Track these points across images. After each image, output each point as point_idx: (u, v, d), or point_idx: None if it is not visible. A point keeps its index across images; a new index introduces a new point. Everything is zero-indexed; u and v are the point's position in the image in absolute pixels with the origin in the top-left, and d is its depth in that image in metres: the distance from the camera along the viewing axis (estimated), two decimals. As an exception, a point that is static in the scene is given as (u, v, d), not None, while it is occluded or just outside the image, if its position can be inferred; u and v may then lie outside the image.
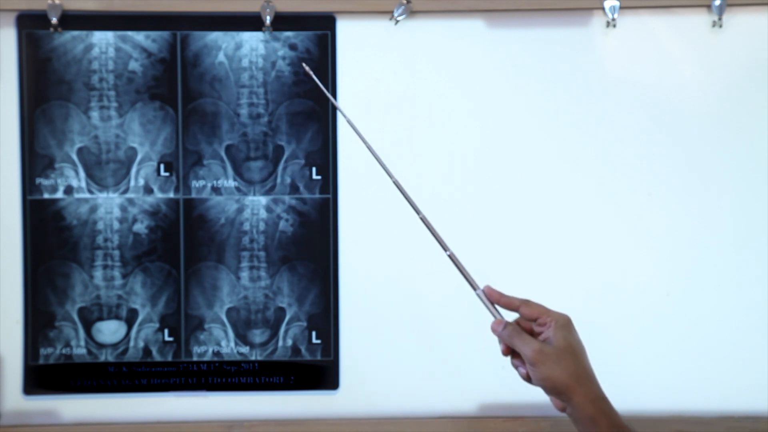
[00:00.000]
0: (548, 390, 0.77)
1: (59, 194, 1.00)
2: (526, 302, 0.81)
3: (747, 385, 1.02)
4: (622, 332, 1.03)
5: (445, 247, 0.85)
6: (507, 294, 0.81)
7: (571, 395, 0.75)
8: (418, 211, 0.85)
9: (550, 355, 0.76)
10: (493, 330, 0.81)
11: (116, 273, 1.01)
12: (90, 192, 1.00)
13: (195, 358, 1.02)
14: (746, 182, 1.02)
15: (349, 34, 1.01)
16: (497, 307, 0.83)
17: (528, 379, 0.79)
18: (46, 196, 1.00)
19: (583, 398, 0.75)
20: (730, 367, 1.03)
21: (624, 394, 0.97)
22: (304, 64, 0.95)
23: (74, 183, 1.00)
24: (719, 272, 1.03)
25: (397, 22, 0.99)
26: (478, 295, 0.82)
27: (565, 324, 0.80)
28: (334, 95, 1.02)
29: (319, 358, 1.03)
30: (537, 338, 0.79)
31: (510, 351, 0.81)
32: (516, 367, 0.80)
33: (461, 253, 1.00)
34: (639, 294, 1.03)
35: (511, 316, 0.81)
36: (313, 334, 1.03)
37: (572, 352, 0.77)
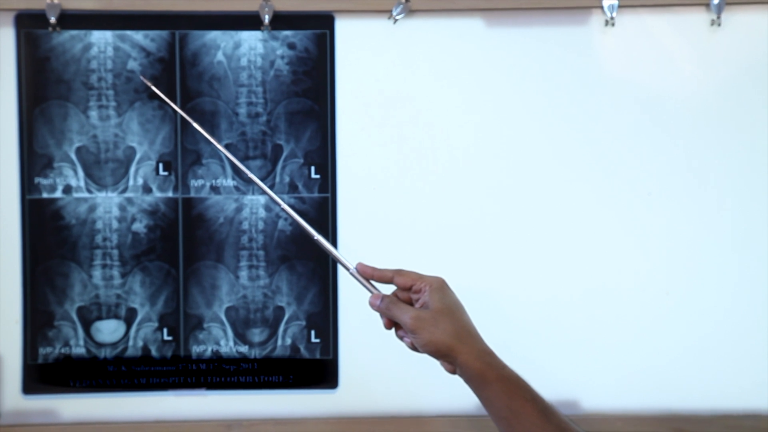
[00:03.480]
0: (433, 354, 0.77)
1: (58, 194, 1.00)
2: (399, 272, 0.81)
3: (746, 384, 1.03)
4: (621, 331, 1.03)
5: (311, 234, 0.84)
6: (379, 268, 0.82)
7: (455, 355, 0.76)
8: (313, 234, 0.85)
9: (427, 320, 0.76)
10: (371, 305, 0.81)
11: (115, 272, 1.01)
12: (89, 191, 1.01)
13: (194, 357, 1.02)
14: (745, 180, 1.02)
15: (347, 33, 1.01)
16: (373, 282, 0.82)
17: (414, 348, 0.79)
18: (44, 195, 1.00)
19: (467, 356, 0.75)
20: (730, 365, 1.03)
21: (623, 392, 1.03)
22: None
23: (73, 182, 1.00)
24: (718, 271, 1.03)
25: (396, 21, 1.00)
26: (351, 273, 0.82)
27: (439, 287, 0.79)
28: (333, 94, 1.02)
29: (318, 356, 1.03)
30: (414, 306, 0.79)
31: (392, 324, 0.81)
32: (401, 338, 0.80)
33: (460, 252, 1.02)
34: (638, 293, 1.03)
35: (389, 290, 0.81)
36: (312, 332, 1.03)
37: (449, 313, 0.77)
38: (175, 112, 1.00)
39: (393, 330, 0.81)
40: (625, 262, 1.03)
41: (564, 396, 1.02)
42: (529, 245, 1.03)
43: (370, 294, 0.82)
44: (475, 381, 0.76)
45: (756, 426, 1.02)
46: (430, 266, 0.82)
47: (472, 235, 1.03)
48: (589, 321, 1.03)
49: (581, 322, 1.03)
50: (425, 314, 0.77)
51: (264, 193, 1.00)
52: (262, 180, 1.00)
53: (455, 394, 0.99)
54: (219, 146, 0.86)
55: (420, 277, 0.80)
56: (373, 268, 0.82)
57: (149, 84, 0.95)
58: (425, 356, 0.78)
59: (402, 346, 0.80)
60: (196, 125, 0.87)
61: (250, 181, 1.02)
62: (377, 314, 0.81)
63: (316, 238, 0.84)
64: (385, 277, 0.81)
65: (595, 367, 1.03)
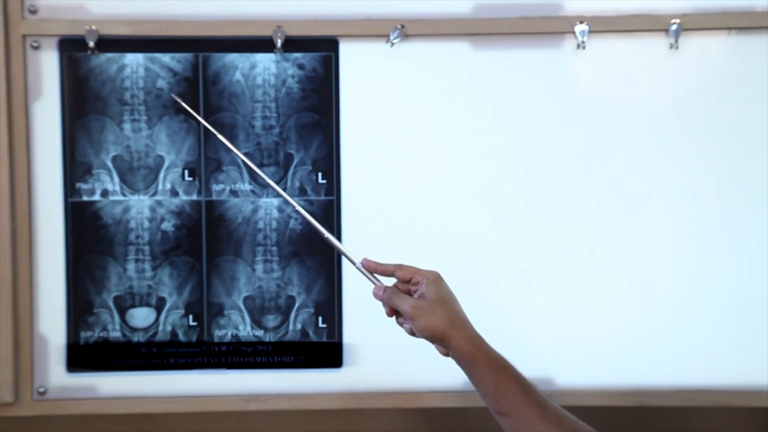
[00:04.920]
0: (429, 338, 0.79)
1: (96, 197, 1.02)
2: (399, 266, 0.82)
3: (698, 363, 1.05)
4: (591, 318, 1.05)
5: (322, 232, 0.86)
6: (382, 262, 0.83)
7: (448, 340, 0.77)
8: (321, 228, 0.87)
9: (425, 308, 0.78)
10: (375, 295, 0.83)
11: (146, 266, 1.03)
12: (123, 195, 1.02)
13: (216, 340, 1.04)
14: (699, 185, 1.03)
15: (350, 55, 1.02)
16: (376, 275, 0.84)
17: (413, 333, 0.80)
18: (85, 198, 1.02)
19: (460, 340, 0.77)
20: (683, 347, 1.05)
21: (592, 370, 1.05)
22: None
23: (109, 187, 1.02)
24: (673, 266, 1.04)
25: (393, 44, 1.01)
26: (357, 267, 0.83)
27: (435, 279, 0.81)
28: (338, 110, 1.02)
29: (324, 340, 1.05)
30: (413, 296, 0.81)
31: (393, 312, 0.82)
32: (401, 325, 0.82)
33: (451, 248, 1.04)
34: (603, 285, 1.05)
35: (390, 282, 0.83)
36: (320, 319, 1.05)
37: (444, 303, 0.79)
38: (198, 124, 1.01)
39: (394, 317, 0.83)
40: (594, 261, 1.04)
41: (540, 374, 1.04)
42: (517, 244, 1.04)
43: (373, 285, 0.83)
44: (466, 362, 0.78)
45: (707, 399, 1.04)
46: (423, 259, 0.85)
47: (462, 232, 1.04)
48: (563, 310, 1.05)
49: (557, 311, 1.05)
50: (423, 303, 0.79)
51: (278, 196, 1.01)
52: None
53: (445, 373, 0.99)
54: (239, 154, 0.90)
55: (418, 270, 0.82)
56: (377, 263, 0.84)
57: (179, 100, 0.97)
58: (420, 340, 0.80)
59: (399, 331, 0.83)
60: (220, 136, 0.92)
61: (265, 186, 1.02)
62: (378, 303, 0.84)
63: (326, 236, 0.85)
64: (387, 270, 0.83)
65: (568, 349, 1.05)
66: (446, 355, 0.80)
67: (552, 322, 1.06)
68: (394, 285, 0.83)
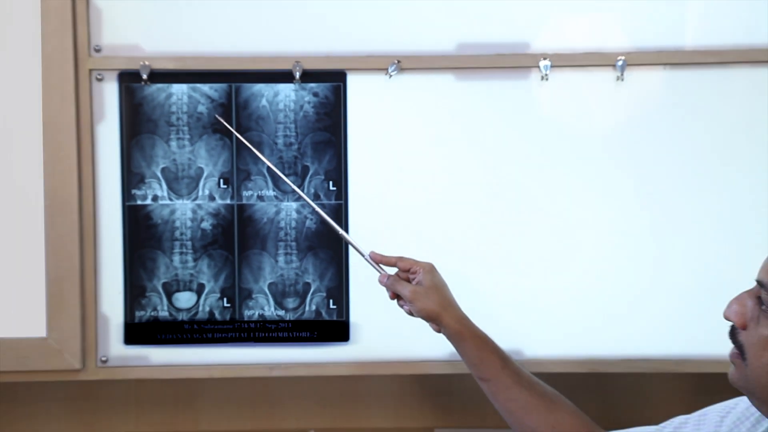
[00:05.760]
0: (425, 318, 0.86)
1: (148, 201, 1.11)
2: (400, 258, 0.90)
3: (639, 337, 1.13)
4: (555, 299, 1.12)
5: (337, 230, 0.92)
6: (386, 255, 0.91)
7: (441, 319, 0.85)
8: (336, 228, 0.94)
9: (421, 293, 0.85)
10: (380, 282, 0.90)
11: (189, 258, 1.12)
12: (170, 199, 1.10)
13: (245, 319, 1.12)
14: (640, 191, 1.11)
15: (356, 84, 1.11)
16: (381, 266, 0.91)
17: (411, 313, 0.88)
18: (139, 202, 1.10)
19: (450, 319, 0.84)
20: (628, 325, 1.12)
21: (555, 343, 1.13)
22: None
23: (159, 193, 1.10)
24: (623, 256, 1.11)
25: (391, 76, 1.10)
26: (366, 259, 0.90)
27: (430, 270, 0.88)
28: (346, 129, 1.10)
29: (335, 318, 1.12)
30: (412, 283, 0.88)
31: (395, 296, 0.89)
32: (401, 307, 0.89)
33: (441, 243, 1.10)
34: (565, 270, 1.11)
35: (392, 272, 0.91)
36: (331, 301, 1.12)
37: (437, 289, 0.86)
38: (232, 142, 1.09)
39: (395, 300, 0.91)
40: (555, 258, 1.11)
41: (513, 346, 1.09)
42: (496, 241, 1.10)
43: (379, 274, 0.91)
44: (454, 338, 0.86)
45: (647, 366, 1.12)
46: (420, 254, 0.93)
47: (451, 231, 1.11)
48: (532, 295, 1.12)
49: (526, 296, 1.12)
50: (420, 289, 0.86)
51: (297, 200, 1.11)
52: (294, 191, 1.09)
53: (434, 346, 1.07)
54: (269, 163, 1.02)
55: (416, 262, 0.89)
56: (381, 255, 0.92)
57: (221, 119, 1.07)
58: (416, 319, 0.88)
59: (396, 312, 0.90)
60: (253, 149, 1.03)
61: (287, 192, 1.10)
62: (380, 288, 0.91)
63: (340, 232, 0.94)
64: (390, 261, 0.91)
65: (535, 327, 1.13)
66: (438, 331, 0.88)
67: (522, 305, 1.13)
68: (396, 274, 0.91)
